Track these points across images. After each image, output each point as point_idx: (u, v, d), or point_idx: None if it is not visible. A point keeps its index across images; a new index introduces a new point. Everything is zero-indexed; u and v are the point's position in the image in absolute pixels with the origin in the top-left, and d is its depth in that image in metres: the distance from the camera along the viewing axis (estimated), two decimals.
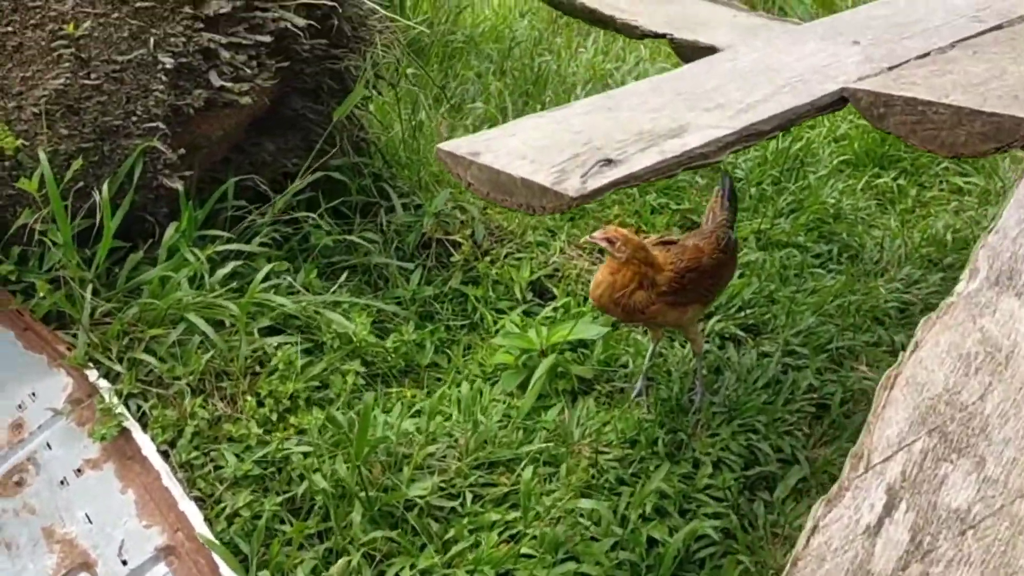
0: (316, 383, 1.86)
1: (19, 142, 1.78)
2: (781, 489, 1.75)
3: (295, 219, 2.23)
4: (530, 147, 1.33)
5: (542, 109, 3.03)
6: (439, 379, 2.00)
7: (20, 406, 1.82)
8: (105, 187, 1.82)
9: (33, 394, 1.82)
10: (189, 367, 1.80)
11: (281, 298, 1.92)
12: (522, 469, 1.71)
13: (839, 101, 1.54)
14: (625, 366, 2.04)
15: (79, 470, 1.68)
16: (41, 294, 1.80)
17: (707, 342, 2.10)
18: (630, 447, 1.80)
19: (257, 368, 1.86)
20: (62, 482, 1.67)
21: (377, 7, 2.25)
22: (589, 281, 1.88)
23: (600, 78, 3.24)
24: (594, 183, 1.22)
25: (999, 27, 1.83)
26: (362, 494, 1.60)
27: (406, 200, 2.45)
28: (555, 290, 2.27)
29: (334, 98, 2.32)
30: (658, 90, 1.54)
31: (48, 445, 1.73)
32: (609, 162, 1.27)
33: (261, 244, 2.09)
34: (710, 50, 2.08)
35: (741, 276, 2.34)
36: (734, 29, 2.20)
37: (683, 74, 1.63)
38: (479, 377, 2.00)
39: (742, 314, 2.25)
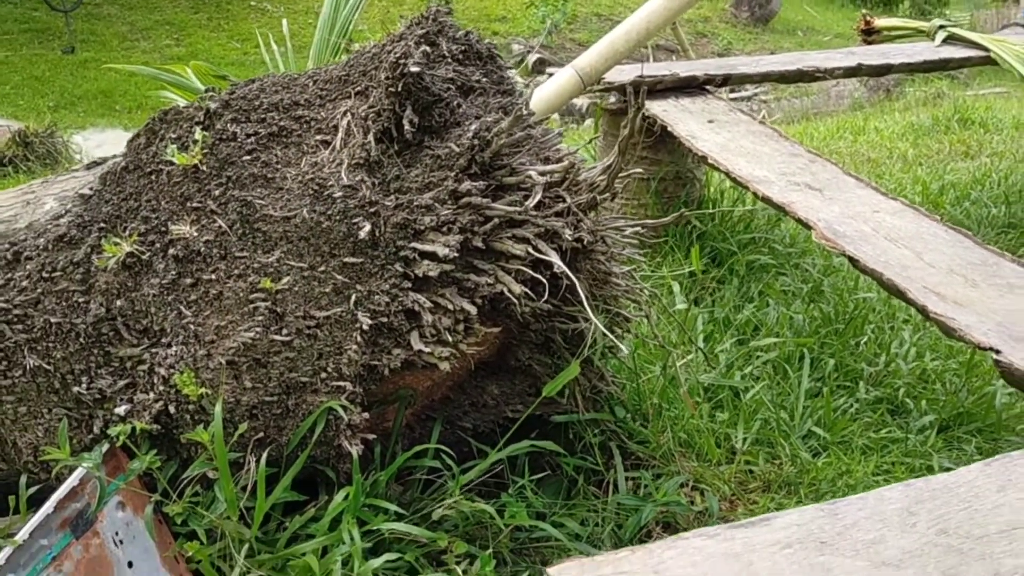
0: None
1: (203, 390, 1.71)
2: None
3: (498, 482, 1.97)
4: None
5: (845, 361, 2.52)
6: None
7: None
8: (263, 457, 1.69)
9: None
10: None
11: None
12: None
13: None
14: None
15: None
16: (190, 552, 1.69)
17: None
18: None
19: None
20: None
21: (621, 265, 1.96)
22: None
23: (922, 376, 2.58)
24: None
25: None
26: None
27: (635, 475, 2.08)
28: None
29: (569, 350, 2.05)
30: (910, 517, 1.05)
31: None
32: None
33: (444, 516, 1.84)
34: None
35: None
36: None
37: (957, 487, 1.11)
38: None
39: None
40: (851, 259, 1.98)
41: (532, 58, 13.56)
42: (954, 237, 2.07)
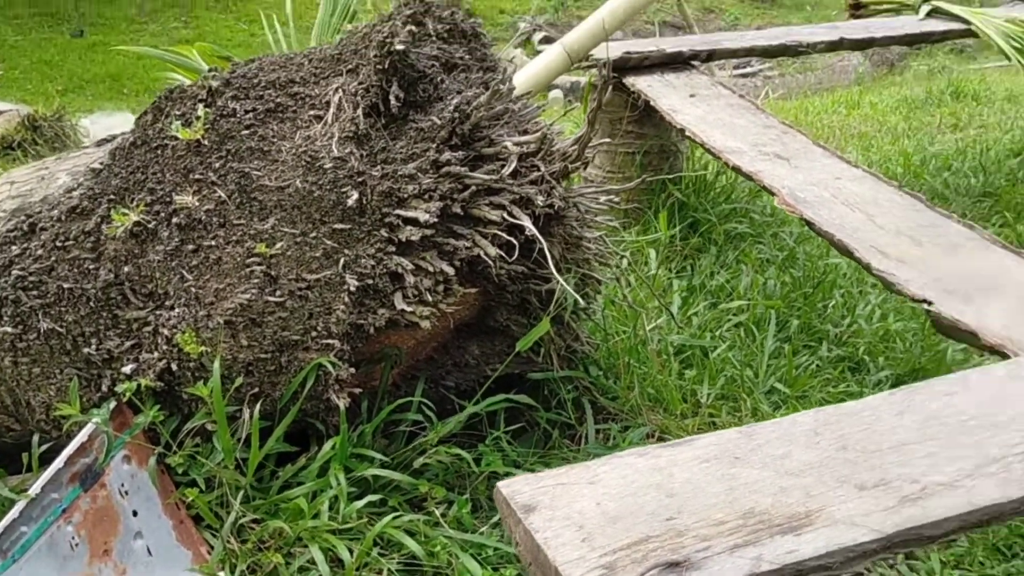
0: None
1: (202, 348, 1.87)
2: None
3: (477, 436, 2.13)
4: (599, 510, 1.08)
5: (811, 323, 2.67)
6: None
7: None
8: (257, 410, 1.85)
9: None
10: None
11: (409, 539, 1.80)
12: None
13: None
14: None
15: None
16: (190, 498, 1.86)
17: None
18: None
19: None
20: None
21: (595, 230, 2.10)
22: None
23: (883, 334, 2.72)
24: None
25: None
26: None
27: (605, 427, 2.23)
28: None
29: (544, 311, 2.20)
30: (816, 436, 1.20)
31: None
32: (674, 566, 0.98)
33: (424, 465, 2.00)
34: (972, 336, 1.65)
35: None
36: (1022, 305, 1.73)
37: (862, 411, 1.26)
38: None
39: None
40: (808, 222, 2.12)
41: (538, 36, 13.58)
42: (908, 201, 2.21)
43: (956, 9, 3.97)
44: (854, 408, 1.27)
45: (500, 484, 1.14)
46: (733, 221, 3.24)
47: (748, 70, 12.56)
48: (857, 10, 4.40)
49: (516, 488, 1.12)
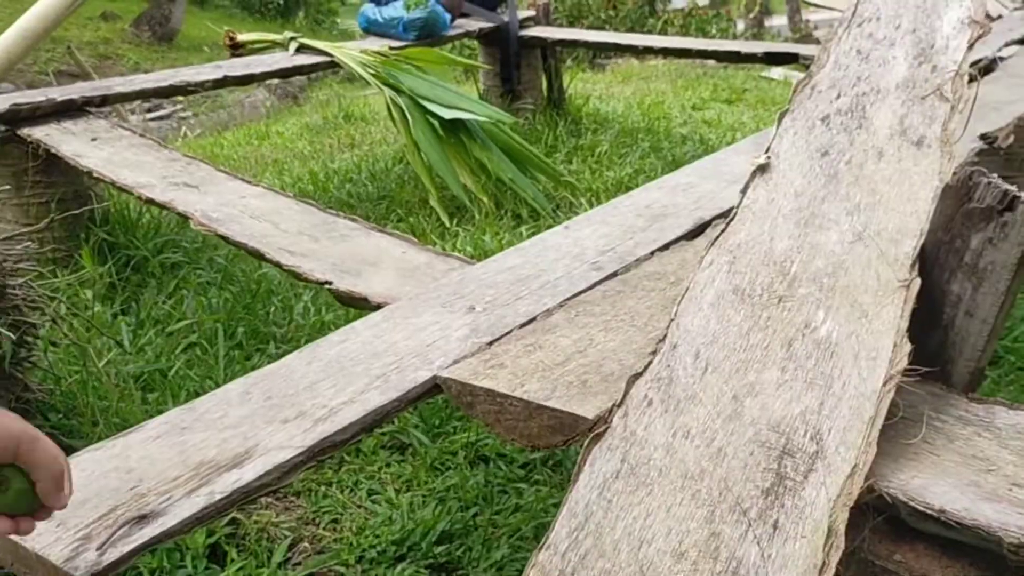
0: None
1: None
2: None
3: None
4: (70, 499, 1.22)
5: (258, 328, 2.97)
6: None
7: None
8: None
9: None
10: None
11: None
12: None
13: (433, 389, 1.53)
14: None
15: None
16: None
17: None
18: None
19: None
20: None
21: (19, 277, 2.12)
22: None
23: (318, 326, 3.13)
24: (114, 553, 1.12)
25: (615, 275, 1.92)
26: None
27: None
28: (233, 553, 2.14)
29: None
30: (247, 395, 1.49)
31: None
32: (142, 519, 1.18)
33: None
34: (364, 300, 2.09)
35: (440, 503, 2.35)
36: (396, 271, 2.22)
37: (280, 369, 1.58)
38: None
39: (438, 549, 2.19)
40: (223, 237, 2.40)
41: None
42: (304, 208, 2.62)
43: (319, 44, 4.60)
44: (275, 368, 1.58)
45: None
46: (167, 252, 3.39)
47: (162, 113, 12.51)
48: (236, 50, 4.80)
49: None
